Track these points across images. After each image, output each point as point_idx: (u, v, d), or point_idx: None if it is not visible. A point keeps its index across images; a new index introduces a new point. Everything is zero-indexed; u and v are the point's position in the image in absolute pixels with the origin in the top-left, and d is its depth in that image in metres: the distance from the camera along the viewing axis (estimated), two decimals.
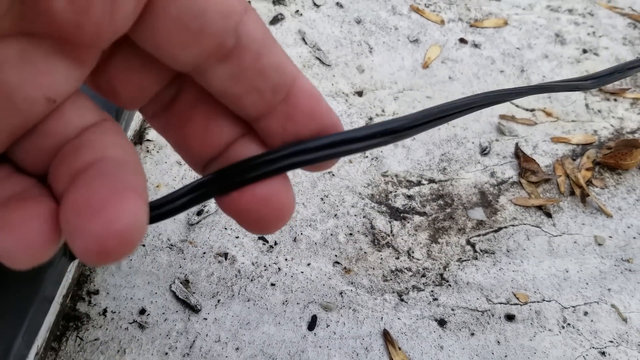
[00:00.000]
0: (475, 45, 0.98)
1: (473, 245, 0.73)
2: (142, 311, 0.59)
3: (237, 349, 0.59)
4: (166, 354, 0.57)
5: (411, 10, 1.01)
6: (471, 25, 1.02)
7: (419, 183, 0.78)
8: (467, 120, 0.86)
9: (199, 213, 0.67)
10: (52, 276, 0.49)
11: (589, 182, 0.83)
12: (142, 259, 0.62)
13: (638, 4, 1.15)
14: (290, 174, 0.71)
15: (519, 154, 0.82)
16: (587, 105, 0.93)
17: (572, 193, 0.81)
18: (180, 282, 0.61)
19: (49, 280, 0.48)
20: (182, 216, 0.66)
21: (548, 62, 0.99)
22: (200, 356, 0.57)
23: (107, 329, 0.57)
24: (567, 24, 1.07)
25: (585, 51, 1.03)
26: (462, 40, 0.98)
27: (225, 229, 0.67)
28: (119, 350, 0.56)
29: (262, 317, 0.61)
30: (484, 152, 0.83)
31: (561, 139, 0.87)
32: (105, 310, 0.58)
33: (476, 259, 0.72)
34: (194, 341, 0.58)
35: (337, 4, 0.98)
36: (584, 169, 0.84)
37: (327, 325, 0.62)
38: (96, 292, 0.59)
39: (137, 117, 0.70)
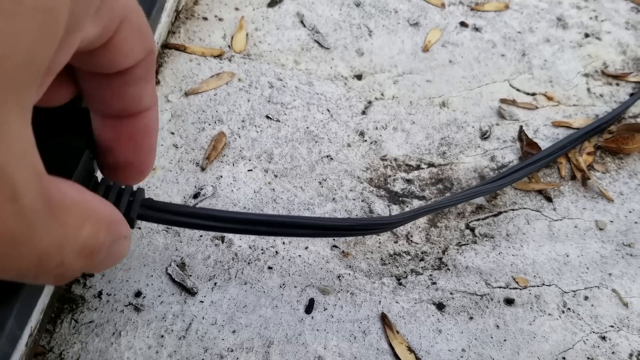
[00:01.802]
0: (476, 29, 0.97)
1: (472, 230, 0.72)
2: (138, 294, 0.58)
3: (234, 331, 0.58)
4: (162, 336, 0.56)
5: None
6: (472, 9, 1.01)
7: (418, 167, 0.77)
8: (467, 104, 0.86)
9: (195, 196, 0.66)
10: None
11: (590, 167, 0.82)
12: (137, 241, 0.62)
13: None
14: (288, 156, 0.70)
15: (522, 137, 0.81)
16: (588, 90, 0.92)
17: (573, 177, 0.80)
18: (177, 265, 0.61)
19: None
20: (178, 199, 0.66)
21: (550, 46, 0.98)
22: (197, 339, 0.57)
23: (102, 312, 0.57)
24: (569, 7, 1.06)
25: (587, 35, 1.01)
26: (463, 24, 0.97)
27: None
28: (114, 333, 0.55)
29: (259, 301, 0.61)
30: (484, 136, 0.82)
31: (562, 123, 0.86)
32: (100, 293, 0.58)
33: (475, 243, 0.71)
34: (190, 324, 0.58)
35: None
36: (585, 153, 0.83)
37: (325, 309, 0.62)
38: (91, 275, 0.58)
39: None
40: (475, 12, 1.00)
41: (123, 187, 0.52)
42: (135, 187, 0.53)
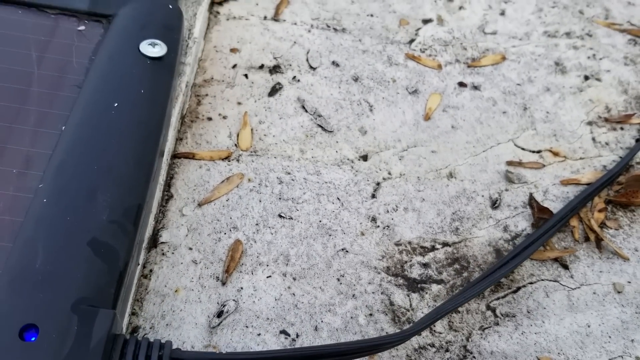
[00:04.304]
0: (475, 87, 0.98)
1: (494, 310, 0.73)
2: None
3: None
4: None
5: (407, 58, 1.01)
6: (469, 66, 1.01)
7: (433, 248, 0.78)
8: (474, 171, 0.87)
9: (219, 315, 0.68)
10: None
11: (602, 224, 0.82)
12: None
13: (636, 17, 1.14)
14: (304, 255, 0.71)
15: (533, 204, 0.82)
16: (593, 139, 0.93)
17: (587, 239, 0.81)
18: None
19: None
20: (203, 320, 0.68)
21: (550, 95, 0.98)
22: None
23: None
24: (566, 49, 1.07)
25: (587, 77, 1.02)
26: (462, 84, 0.98)
27: (247, 327, 0.68)
28: None
29: None
30: (495, 205, 0.83)
31: (571, 180, 0.87)
32: None
33: (497, 324, 0.72)
34: None
35: (333, 62, 0.98)
36: (597, 211, 0.83)
37: None
38: None
39: (150, 223, 0.71)
40: (472, 69, 1.01)
41: (151, 340, 0.55)
42: (163, 340, 0.55)
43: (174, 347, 0.56)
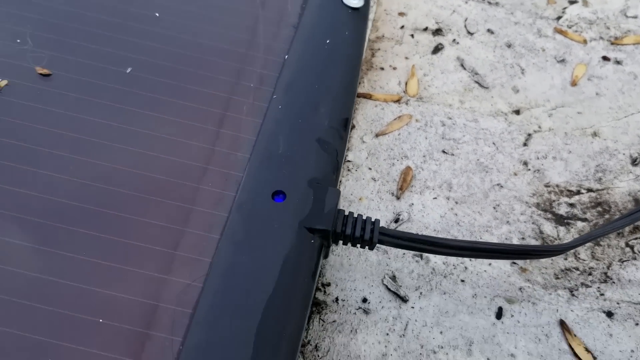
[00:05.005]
0: (618, 62, 1.07)
1: (632, 247, 0.82)
2: (364, 300, 0.74)
3: (441, 332, 0.72)
4: (387, 334, 0.71)
5: (555, 32, 1.11)
6: (612, 43, 1.10)
7: (578, 192, 0.88)
8: (617, 133, 0.96)
9: (395, 221, 0.81)
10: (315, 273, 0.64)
11: None
12: (357, 258, 0.78)
13: None
14: (464, 185, 0.83)
15: None
16: None
17: None
18: (389, 277, 0.76)
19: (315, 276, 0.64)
20: (383, 223, 0.81)
21: None
22: (413, 337, 0.72)
23: (340, 313, 0.73)
24: None
25: None
26: (605, 58, 1.07)
27: (419, 233, 0.80)
28: (351, 330, 0.71)
29: (457, 308, 0.75)
30: (635, 162, 0.92)
31: None
32: (337, 299, 0.74)
33: (635, 259, 0.81)
34: (406, 325, 0.72)
35: (488, 30, 1.09)
36: None
37: (512, 315, 0.75)
38: (328, 284, 0.75)
39: None
40: (615, 47, 1.09)
41: (364, 218, 0.68)
42: (373, 218, 0.69)
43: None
